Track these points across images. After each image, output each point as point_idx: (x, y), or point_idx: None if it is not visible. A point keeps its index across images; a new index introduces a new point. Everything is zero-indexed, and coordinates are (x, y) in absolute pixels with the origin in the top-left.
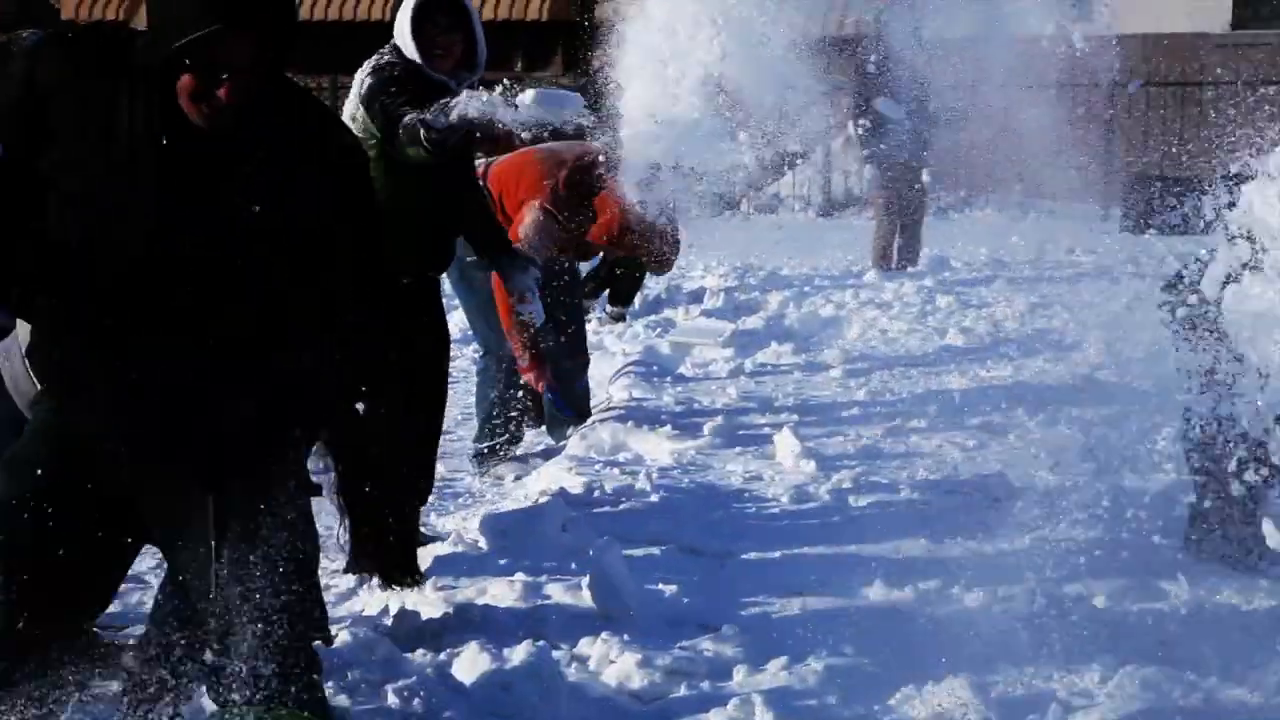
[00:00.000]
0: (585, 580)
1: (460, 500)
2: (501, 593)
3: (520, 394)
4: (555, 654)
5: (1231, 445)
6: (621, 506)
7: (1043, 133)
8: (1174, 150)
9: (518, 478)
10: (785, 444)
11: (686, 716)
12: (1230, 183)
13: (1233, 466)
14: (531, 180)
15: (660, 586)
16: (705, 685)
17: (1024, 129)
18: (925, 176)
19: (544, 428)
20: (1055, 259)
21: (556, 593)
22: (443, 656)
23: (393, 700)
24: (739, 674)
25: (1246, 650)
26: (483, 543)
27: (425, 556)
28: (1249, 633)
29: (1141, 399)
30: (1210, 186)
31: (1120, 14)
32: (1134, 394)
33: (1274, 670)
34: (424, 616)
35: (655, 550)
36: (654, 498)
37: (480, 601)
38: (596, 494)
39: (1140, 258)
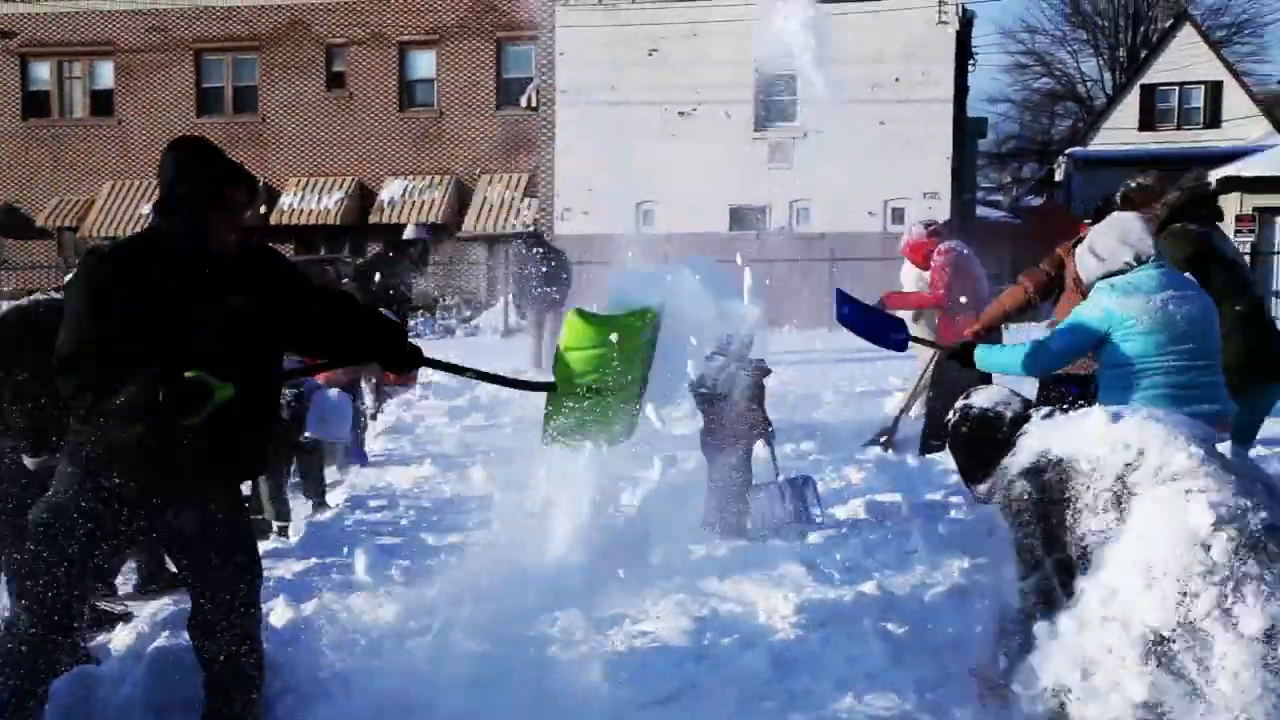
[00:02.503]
0: (358, 561)
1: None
2: (307, 566)
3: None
4: (332, 606)
5: None
6: (382, 514)
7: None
8: None
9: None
10: (479, 473)
11: (410, 640)
12: None
13: None
14: None
15: (399, 562)
16: (424, 620)
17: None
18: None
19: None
20: None
21: (339, 565)
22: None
23: None
24: (444, 613)
25: None
26: (293, 539)
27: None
28: None
29: None
30: None
31: (672, 219)
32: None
33: None
34: None
35: (399, 539)
36: (401, 506)
37: (292, 572)
38: (366, 506)
39: None
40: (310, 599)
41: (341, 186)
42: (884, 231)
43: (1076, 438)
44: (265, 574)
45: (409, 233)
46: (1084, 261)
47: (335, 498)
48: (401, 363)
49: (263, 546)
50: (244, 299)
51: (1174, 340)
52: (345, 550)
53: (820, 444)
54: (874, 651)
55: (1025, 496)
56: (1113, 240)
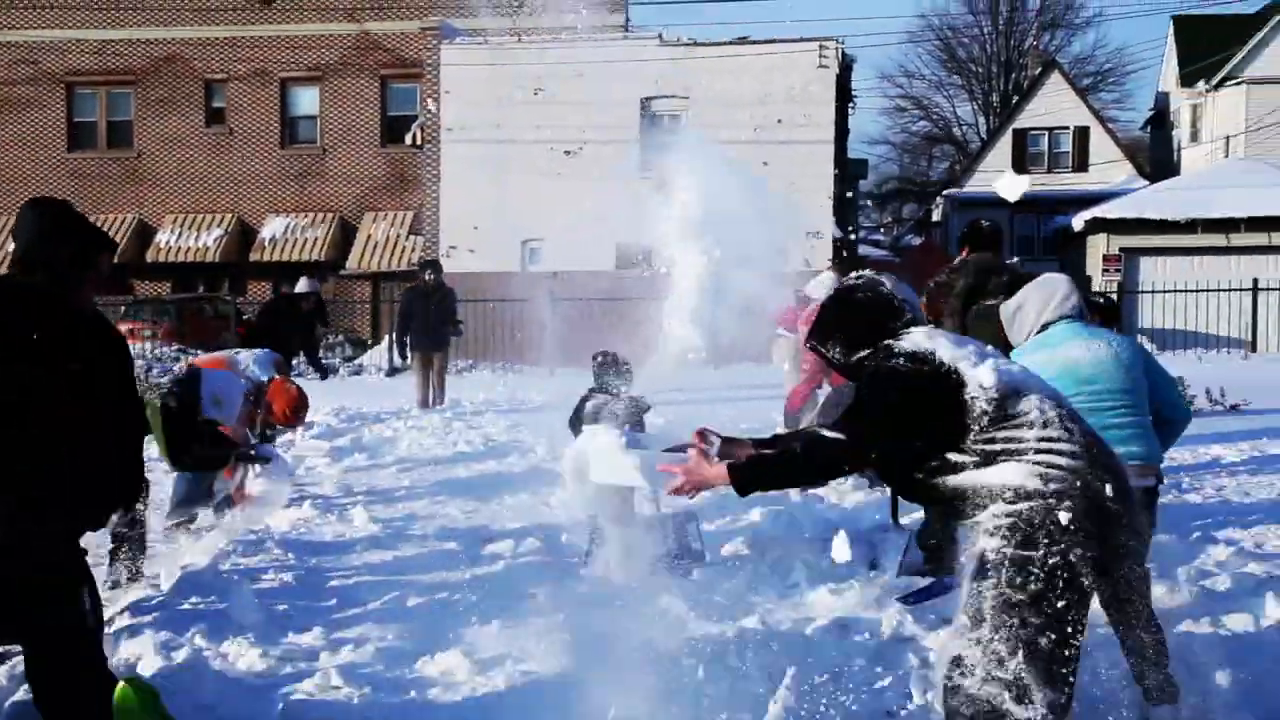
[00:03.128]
0: (234, 606)
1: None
2: (180, 612)
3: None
4: (205, 653)
5: None
6: (259, 557)
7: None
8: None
9: (196, 540)
10: (360, 515)
11: (287, 686)
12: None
13: None
14: None
15: (277, 606)
16: (302, 665)
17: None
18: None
19: (211, 509)
20: (524, 398)
21: (210, 613)
22: (130, 657)
23: None
24: (323, 657)
25: None
26: (165, 585)
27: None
28: None
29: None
30: None
31: (558, 258)
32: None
33: None
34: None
35: (276, 583)
36: (279, 549)
37: (164, 619)
38: (242, 550)
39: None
40: (182, 646)
41: (221, 224)
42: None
43: (962, 358)
44: (135, 622)
45: (301, 286)
46: (1010, 321)
47: (211, 542)
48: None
49: (133, 594)
50: (87, 357)
51: (1079, 383)
52: (220, 595)
53: None
54: (756, 684)
55: (896, 377)
56: (1039, 302)
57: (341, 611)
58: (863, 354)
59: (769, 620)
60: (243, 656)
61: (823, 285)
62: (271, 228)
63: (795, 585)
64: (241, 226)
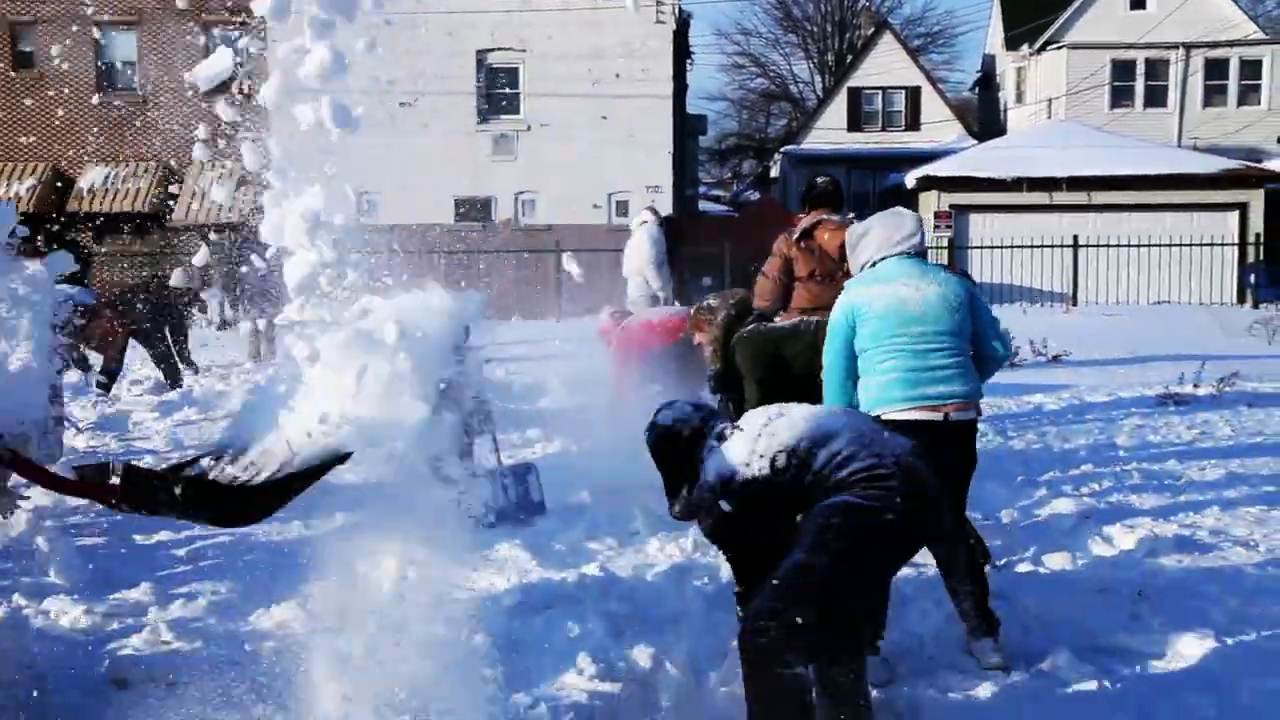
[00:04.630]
0: (54, 563)
1: None
2: None
3: None
4: (26, 611)
5: None
6: (82, 514)
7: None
8: None
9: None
10: None
11: (114, 642)
12: None
13: None
14: None
15: (102, 564)
16: (129, 621)
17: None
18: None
19: None
20: None
21: (30, 572)
22: None
23: None
24: (152, 612)
25: None
26: None
27: None
28: None
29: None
30: None
31: (396, 211)
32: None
33: None
34: None
35: (101, 539)
36: (100, 508)
37: None
38: (64, 508)
39: None
40: None
41: (34, 173)
42: (609, 224)
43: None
44: None
45: (176, 279)
46: (853, 247)
47: (30, 499)
48: None
49: None
50: None
51: (905, 323)
52: (40, 553)
53: (545, 430)
54: (596, 631)
55: (716, 514)
56: (881, 235)
57: (172, 567)
58: (684, 500)
59: (609, 567)
60: (66, 614)
61: (642, 225)
62: (90, 177)
63: (635, 533)
64: (57, 176)
